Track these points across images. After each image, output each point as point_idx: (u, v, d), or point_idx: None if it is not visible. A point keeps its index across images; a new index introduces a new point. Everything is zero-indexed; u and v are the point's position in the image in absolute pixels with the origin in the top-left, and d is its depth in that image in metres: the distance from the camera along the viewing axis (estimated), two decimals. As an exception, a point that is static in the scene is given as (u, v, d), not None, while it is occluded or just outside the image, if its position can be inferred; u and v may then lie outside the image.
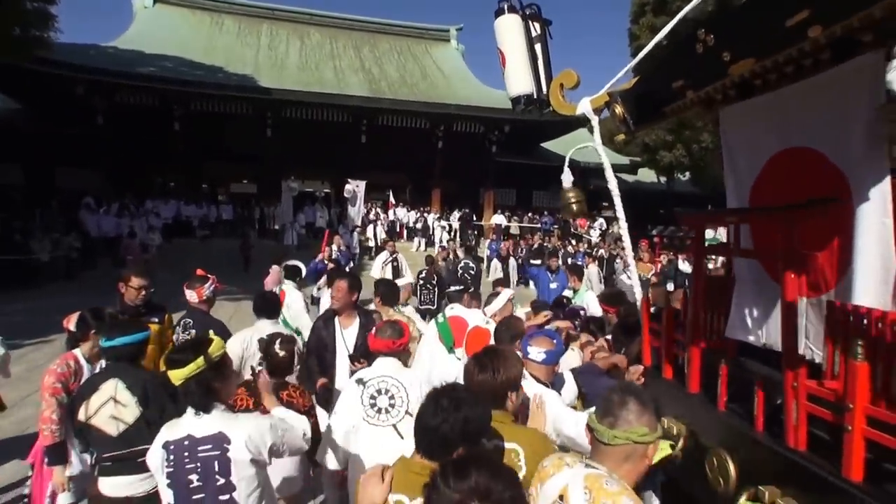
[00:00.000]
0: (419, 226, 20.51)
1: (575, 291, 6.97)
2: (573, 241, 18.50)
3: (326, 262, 8.29)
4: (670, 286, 11.19)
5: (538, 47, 2.48)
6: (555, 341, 2.79)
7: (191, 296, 4.13)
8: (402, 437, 2.68)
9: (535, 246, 16.71)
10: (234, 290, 10.87)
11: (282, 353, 3.02)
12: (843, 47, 1.43)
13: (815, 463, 1.39)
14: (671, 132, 21.24)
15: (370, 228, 18.51)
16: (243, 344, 3.83)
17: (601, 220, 22.99)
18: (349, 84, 22.23)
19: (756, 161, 1.86)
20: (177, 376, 2.09)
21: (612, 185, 2.39)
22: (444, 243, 14.07)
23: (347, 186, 15.90)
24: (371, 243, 17.89)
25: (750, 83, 1.81)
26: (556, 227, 22.21)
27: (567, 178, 2.57)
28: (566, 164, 2.54)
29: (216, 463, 2.07)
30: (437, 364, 4.06)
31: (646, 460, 1.50)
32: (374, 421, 2.74)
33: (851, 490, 1.27)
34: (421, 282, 9.00)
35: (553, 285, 7.44)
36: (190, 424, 2.11)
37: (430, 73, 25.75)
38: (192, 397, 2.11)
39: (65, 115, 18.37)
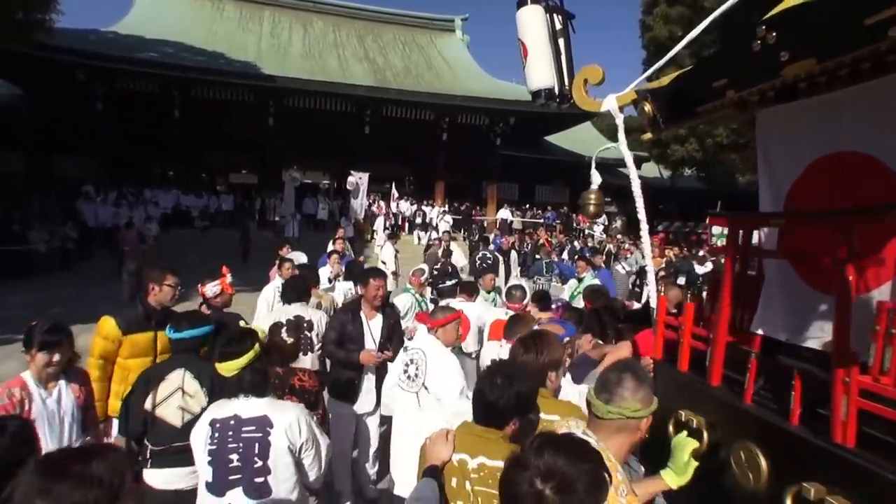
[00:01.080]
0: (419, 219, 20.31)
1: (580, 280, 7.45)
2: (579, 235, 18.37)
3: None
4: (681, 280, 11.12)
5: (561, 41, 2.42)
6: (565, 328, 3.04)
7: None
8: (419, 407, 2.96)
9: (541, 241, 16.53)
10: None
11: (290, 341, 3.18)
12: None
13: (872, 461, 1.32)
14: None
15: (380, 221, 18.33)
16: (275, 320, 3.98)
17: (603, 216, 22.81)
18: (353, 73, 21.95)
19: (796, 164, 1.84)
20: (231, 367, 2.20)
21: (636, 184, 2.36)
22: (439, 235, 13.94)
23: (350, 178, 15.72)
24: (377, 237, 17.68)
25: (794, 86, 1.74)
26: (558, 221, 22.05)
27: (596, 179, 2.50)
28: (593, 164, 2.51)
29: (256, 445, 2.17)
30: None
31: (638, 433, 1.63)
32: (404, 386, 3.05)
33: None
34: (435, 273, 9.00)
35: (597, 282, 7.40)
36: (238, 405, 2.22)
37: (434, 63, 25.45)
38: (247, 385, 2.22)
39: (64, 101, 18.15)
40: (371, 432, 4.03)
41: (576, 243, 17.44)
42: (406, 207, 21.05)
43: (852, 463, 1.35)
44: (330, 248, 9.28)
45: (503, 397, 1.84)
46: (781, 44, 1.47)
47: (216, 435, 2.17)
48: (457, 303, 4.52)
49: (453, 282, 4.97)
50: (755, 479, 1.58)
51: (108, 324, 3.22)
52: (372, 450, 4.06)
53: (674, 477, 1.80)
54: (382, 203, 20.28)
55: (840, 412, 1.40)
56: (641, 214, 2.36)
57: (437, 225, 19.44)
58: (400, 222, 20.50)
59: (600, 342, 3.91)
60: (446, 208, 21.47)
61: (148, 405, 2.65)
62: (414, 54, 25.94)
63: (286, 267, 6.12)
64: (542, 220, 22.42)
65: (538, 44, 2.39)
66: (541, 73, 2.40)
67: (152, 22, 20.84)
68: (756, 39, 1.53)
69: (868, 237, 1.51)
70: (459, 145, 21.98)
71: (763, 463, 1.57)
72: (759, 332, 1.88)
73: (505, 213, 21.76)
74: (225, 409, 2.23)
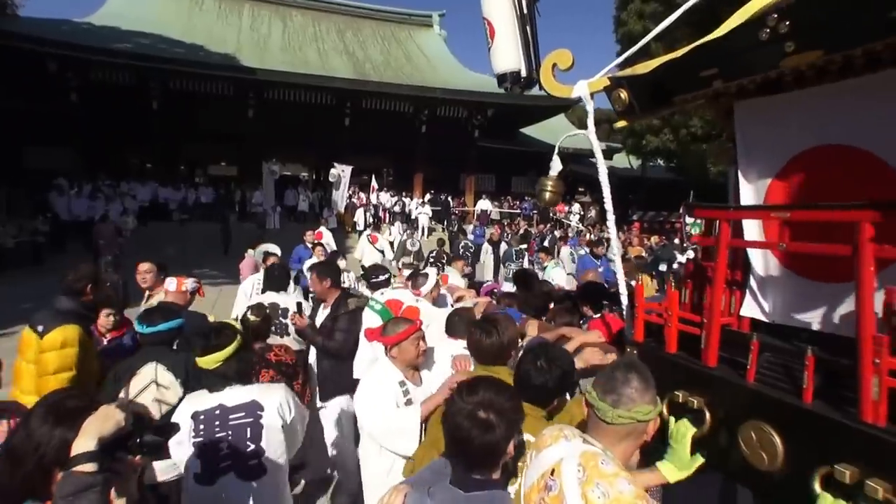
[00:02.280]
0: (398, 210, 20.41)
1: (544, 268, 8.11)
2: (556, 225, 18.65)
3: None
4: (663, 268, 11.46)
5: (528, 26, 2.38)
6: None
7: None
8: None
9: (522, 231, 16.79)
10: (215, 275, 10.65)
11: (252, 318, 3.26)
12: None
13: None
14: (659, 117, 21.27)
15: (360, 213, 18.36)
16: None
17: (577, 205, 23.19)
18: (333, 67, 21.93)
19: (779, 156, 1.84)
20: (215, 359, 2.19)
21: (602, 171, 2.31)
22: (405, 227, 14.21)
23: (333, 171, 15.73)
24: (360, 227, 17.72)
25: (778, 78, 1.72)
26: (534, 212, 22.33)
27: (555, 167, 2.43)
28: (556, 151, 2.41)
29: (248, 430, 2.16)
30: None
31: (644, 436, 1.53)
32: None
33: None
34: (431, 261, 9.44)
35: (600, 269, 7.49)
36: (221, 395, 2.20)
37: (414, 57, 25.56)
38: (232, 374, 2.23)
39: (35, 91, 17.61)
40: (325, 429, 3.77)
41: (556, 233, 17.73)
42: (386, 199, 21.12)
43: (889, 442, 1.35)
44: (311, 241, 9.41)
45: (551, 379, 1.98)
46: (791, 34, 1.42)
47: (201, 427, 2.14)
48: (391, 292, 3.98)
49: (385, 276, 4.61)
50: (770, 459, 1.55)
51: (80, 333, 2.94)
52: (330, 452, 3.77)
53: (674, 471, 1.68)
54: (363, 194, 20.34)
55: (870, 392, 1.40)
56: (607, 200, 2.31)
57: (416, 217, 19.60)
58: (381, 213, 20.58)
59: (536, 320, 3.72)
60: (426, 199, 21.59)
61: None
62: (393, 48, 26.00)
63: (271, 261, 6.34)
64: (519, 211, 22.71)
65: (505, 23, 2.33)
66: (508, 54, 2.35)
67: (128, 14, 20.50)
68: (764, 28, 1.47)
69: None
70: (438, 137, 22.11)
71: (778, 442, 1.55)
72: (748, 315, 1.92)
73: (484, 204, 21.98)
74: (206, 400, 2.20)
